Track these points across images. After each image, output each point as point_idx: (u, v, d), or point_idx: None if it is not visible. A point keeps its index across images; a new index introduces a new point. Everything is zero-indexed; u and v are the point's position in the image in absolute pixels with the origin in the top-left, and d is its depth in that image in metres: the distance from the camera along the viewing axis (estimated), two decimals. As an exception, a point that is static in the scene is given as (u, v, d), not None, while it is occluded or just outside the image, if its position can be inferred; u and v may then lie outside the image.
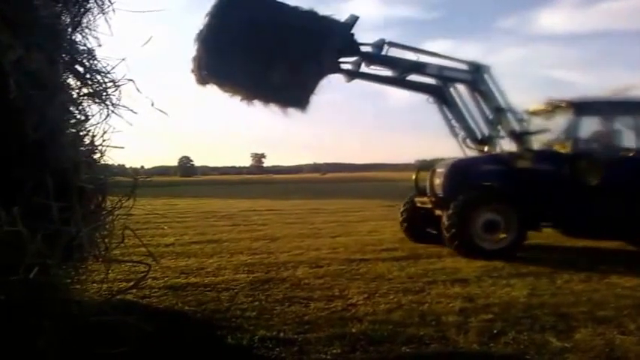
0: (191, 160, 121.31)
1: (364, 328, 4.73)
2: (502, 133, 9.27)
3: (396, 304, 5.57)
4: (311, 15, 8.08)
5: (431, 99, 9.46)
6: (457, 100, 9.39)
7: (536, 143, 9.32)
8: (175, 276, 7.06)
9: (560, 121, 9.43)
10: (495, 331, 4.63)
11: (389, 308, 5.40)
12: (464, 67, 9.24)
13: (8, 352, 2.92)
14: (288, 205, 21.71)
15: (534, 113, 9.91)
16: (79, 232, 3.21)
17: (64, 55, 3.76)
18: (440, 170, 9.31)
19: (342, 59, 8.65)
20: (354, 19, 8.42)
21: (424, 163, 12.36)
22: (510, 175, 8.84)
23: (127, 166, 4.57)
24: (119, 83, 4.13)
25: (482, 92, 9.16)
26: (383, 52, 8.80)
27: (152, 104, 4.33)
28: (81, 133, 3.85)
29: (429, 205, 9.29)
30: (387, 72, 9.02)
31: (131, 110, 4.13)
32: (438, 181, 9.22)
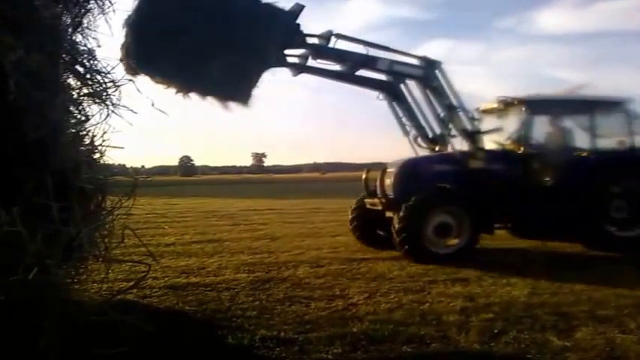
0: (191, 160, 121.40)
1: (365, 328, 4.72)
2: (454, 131, 8.90)
3: (396, 303, 5.57)
4: (252, 2, 7.30)
5: (381, 95, 9.10)
6: (408, 97, 9.02)
7: (490, 143, 9.06)
8: (176, 276, 7.06)
9: (513, 120, 9.25)
10: (496, 331, 4.63)
11: (390, 307, 5.40)
12: (415, 62, 8.79)
13: (8, 352, 2.92)
14: (289, 205, 21.70)
15: (487, 112, 9.70)
16: (78, 232, 3.21)
17: (64, 56, 3.75)
18: (390, 170, 8.92)
19: (287, 52, 8.04)
20: (299, 8, 7.77)
21: None
22: (463, 175, 8.55)
23: (128, 165, 4.56)
24: (119, 83, 4.14)
25: (433, 89, 8.74)
26: (331, 45, 8.23)
27: (152, 104, 4.34)
28: (81, 133, 3.85)
29: (380, 207, 8.87)
30: (335, 66, 8.51)
31: (131, 110, 4.14)
32: (388, 181, 8.82)
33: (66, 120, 3.67)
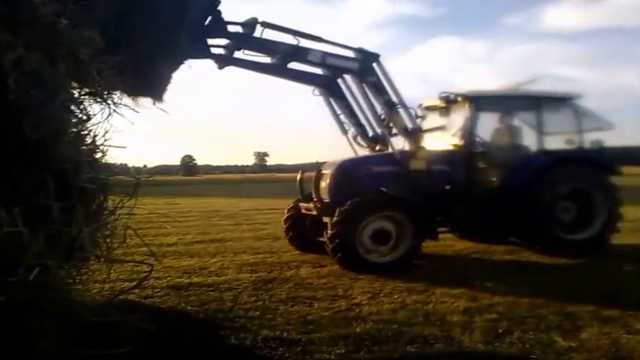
0: (193, 159, 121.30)
1: (368, 328, 4.71)
2: (395, 130, 8.28)
3: (400, 303, 5.55)
4: None
5: (317, 90, 8.46)
6: (346, 92, 8.42)
7: (435, 141, 8.62)
8: (178, 276, 7.04)
9: (457, 118, 8.72)
10: (500, 331, 4.61)
11: (393, 308, 5.38)
12: (350, 54, 8.10)
13: (9, 353, 2.90)
14: (291, 204, 21.63)
15: (430, 109, 9.16)
16: (80, 232, 3.18)
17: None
18: (326, 172, 8.21)
19: (211, 42, 7.37)
20: None
21: None
22: (403, 177, 7.93)
23: (129, 165, 4.55)
24: (121, 82, 4.12)
25: (371, 84, 8.07)
26: (257, 35, 7.50)
27: (153, 103, 4.32)
28: (82, 133, 3.82)
29: (315, 212, 8.09)
30: (266, 58, 7.82)
31: (133, 109, 4.12)
32: (324, 184, 8.10)
33: (67, 119, 3.64)
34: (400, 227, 7.41)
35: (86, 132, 3.84)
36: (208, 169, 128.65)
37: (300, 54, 7.81)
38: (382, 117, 8.33)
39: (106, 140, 3.90)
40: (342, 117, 8.67)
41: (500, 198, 8.18)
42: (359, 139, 8.77)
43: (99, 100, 3.94)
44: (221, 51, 7.51)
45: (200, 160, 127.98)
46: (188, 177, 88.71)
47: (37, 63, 3.24)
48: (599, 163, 8.65)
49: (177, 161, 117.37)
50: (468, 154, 8.37)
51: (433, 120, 9.01)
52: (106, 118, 3.92)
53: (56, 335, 2.99)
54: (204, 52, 7.29)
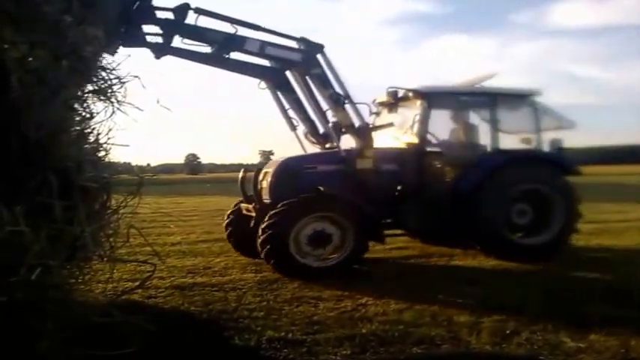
0: (198, 158, 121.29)
1: (374, 329, 4.67)
2: (342, 127, 7.73)
3: (406, 304, 5.48)
4: None
5: (263, 83, 7.92)
6: (295, 85, 7.83)
7: (387, 139, 8.22)
8: (182, 276, 7.02)
9: (408, 115, 8.32)
10: (508, 332, 4.55)
11: (399, 308, 5.32)
12: (293, 44, 7.55)
13: (10, 354, 2.87)
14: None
15: (382, 105, 8.75)
16: (83, 231, 3.15)
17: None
18: (267, 171, 7.72)
19: (147, 30, 6.83)
20: None
21: None
22: (348, 176, 7.49)
23: (133, 164, 4.51)
24: (124, 80, 4.08)
25: (315, 77, 7.53)
26: (192, 22, 6.95)
27: (158, 101, 4.27)
28: (85, 131, 3.79)
29: (254, 214, 7.52)
30: (206, 48, 7.22)
31: (137, 107, 4.08)
32: (265, 184, 7.60)
33: (70, 118, 3.62)
34: (341, 229, 6.99)
35: (89, 130, 3.81)
36: (212, 167, 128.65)
37: (236, 43, 7.21)
38: (329, 112, 7.81)
39: (109, 138, 3.88)
40: (291, 112, 8.13)
41: (451, 199, 7.82)
42: (309, 136, 8.28)
43: (102, 97, 3.90)
44: (158, 39, 6.96)
45: (204, 159, 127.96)
46: (192, 176, 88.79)
47: (41, 61, 3.21)
48: (555, 163, 8.26)
49: (181, 160, 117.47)
50: (419, 153, 7.96)
51: (387, 116, 8.64)
52: (110, 116, 3.88)
53: (58, 336, 2.96)
54: (137, 40, 6.79)
